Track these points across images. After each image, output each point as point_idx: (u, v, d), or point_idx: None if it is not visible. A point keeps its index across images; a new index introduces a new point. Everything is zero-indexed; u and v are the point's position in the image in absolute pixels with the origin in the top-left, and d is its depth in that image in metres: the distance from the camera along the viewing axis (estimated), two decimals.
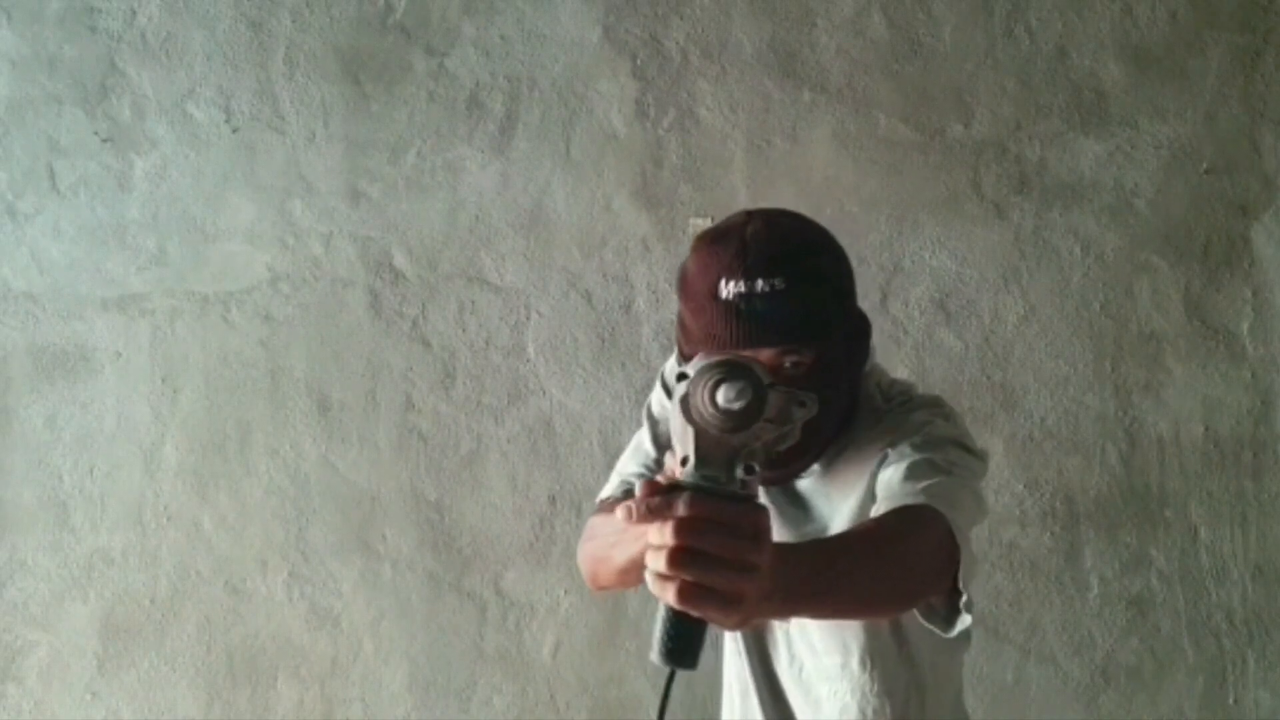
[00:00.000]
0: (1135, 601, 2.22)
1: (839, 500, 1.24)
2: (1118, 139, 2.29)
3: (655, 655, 0.83)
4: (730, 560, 0.79)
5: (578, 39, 2.35)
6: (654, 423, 1.40)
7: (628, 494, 1.32)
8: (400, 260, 2.34)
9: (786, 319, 1.12)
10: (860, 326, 1.25)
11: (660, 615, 0.82)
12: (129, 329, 2.34)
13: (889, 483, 1.15)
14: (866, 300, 2.26)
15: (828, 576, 0.95)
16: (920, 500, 1.08)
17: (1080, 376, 2.26)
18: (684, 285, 1.20)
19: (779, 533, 1.25)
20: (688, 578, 0.79)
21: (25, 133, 2.38)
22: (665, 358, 2.30)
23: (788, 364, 1.14)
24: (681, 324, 1.21)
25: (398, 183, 2.35)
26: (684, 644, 0.82)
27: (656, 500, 0.81)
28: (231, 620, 2.29)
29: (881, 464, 1.19)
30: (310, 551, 2.29)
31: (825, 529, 1.24)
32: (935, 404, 1.27)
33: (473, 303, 2.32)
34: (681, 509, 0.80)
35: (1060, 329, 2.27)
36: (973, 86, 2.31)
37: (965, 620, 1.05)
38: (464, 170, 2.34)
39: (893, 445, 1.19)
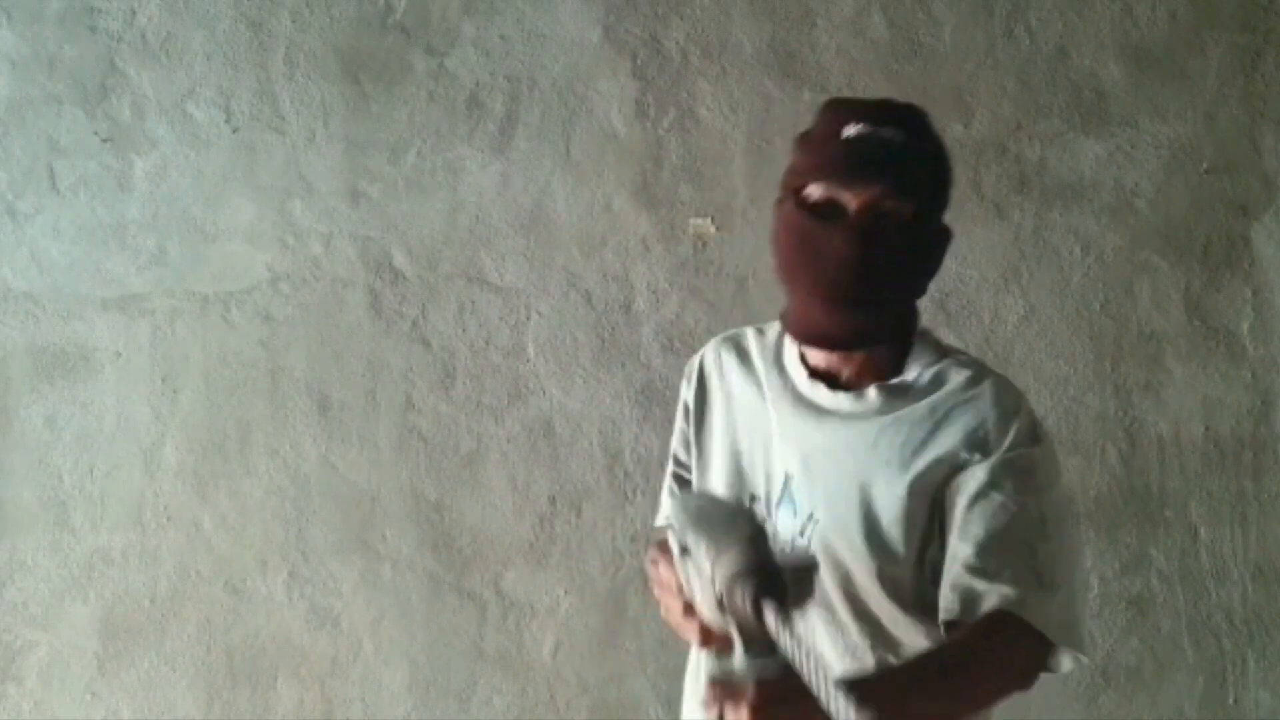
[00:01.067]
0: (1135, 601, 2.22)
1: (860, 435, 1.23)
2: (1118, 139, 2.29)
3: None
4: None
5: (578, 39, 2.35)
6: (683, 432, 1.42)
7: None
8: (400, 260, 2.34)
9: (899, 164, 1.18)
10: (945, 231, 1.28)
11: None
12: (129, 329, 2.34)
13: (972, 544, 1.15)
14: None
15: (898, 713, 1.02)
16: (1010, 604, 1.10)
17: (1080, 376, 2.26)
18: (806, 136, 1.26)
19: (782, 445, 1.26)
20: None
21: (25, 133, 2.38)
22: (665, 358, 2.31)
23: (887, 205, 1.18)
24: (790, 169, 1.25)
25: (398, 183, 2.35)
26: None
27: (721, 689, 0.95)
28: (231, 620, 2.29)
29: (954, 470, 1.19)
30: (310, 551, 2.29)
31: (832, 451, 1.23)
32: (1025, 416, 1.23)
33: (473, 303, 2.32)
34: (749, 698, 0.93)
35: (1060, 329, 2.27)
36: (973, 86, 2.31)
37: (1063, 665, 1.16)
38: (464, 170, 2.34)
39: (968, 458, 1.18)
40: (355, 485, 2.30)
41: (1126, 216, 2.28)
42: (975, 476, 1.18)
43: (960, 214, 2.26)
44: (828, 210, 1.20)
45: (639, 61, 2.34)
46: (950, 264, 2.26)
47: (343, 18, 2.37)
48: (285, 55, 2.37)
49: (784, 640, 0.89)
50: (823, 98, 2.30)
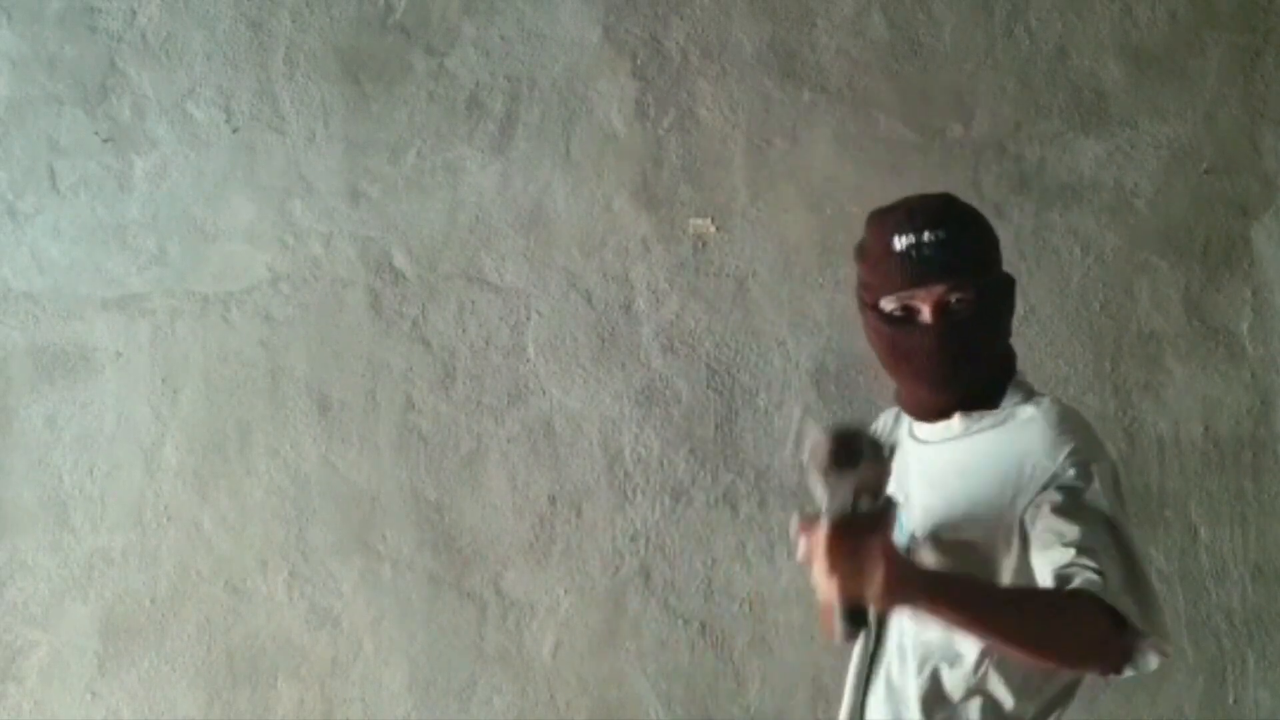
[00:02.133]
0: None
1: (975, 471, 1.38)
2: (1118, 139, 2.29)
3: (839, 636, 1.16)
4: (853, 559, 1.10)
5: (578, 39, 2.35)
6: None
7: None
8: (400, 260, 2.34)
9: (950, 260, 1.34)
10: (1009, 279, 1.43)
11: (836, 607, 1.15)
12: (129, 329, 2.34)
13: (1046, 535, 1.28)
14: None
15: (951, 589, 1.20)
16: (1095, 587, 1.21)
17: (1080, 376, 2.26)
18: (863, 251, 1.44)
19: (899, 480, 1.39)
20: (832, 578, 1.11)
21: (25, 133, 2.38)
22: (665, 358, 2.31)
23: (954, 300, 1.35)
24: (861, 283, 1.44)
25: (398, 183, 2.35)
26: (853, 617, 1.14)
27: (803, 525, 1.15)
28: (231, 620, 2.29)
29: (1024, 484, 1.32)
30: (310, 551, 2.29)
31: (924, 474, 1.41)
32: (1070, 420, 1.38)
33: (473, 303, 2.32)
34: (821, 532, 1.12)
35: (1060, 329, 2.27)
36: (973, 87, 2.31)
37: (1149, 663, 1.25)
38: (464, 170, 2.35)
39: (1037, 474, 1.32)
40: (355, 485, 2.30)
41: (1126, 216, 2.28)
42: (1049, 494, 1.30)
43: None
44: (905, 317, 1.38)
45: (639, 61, 2.34)
46: None
47: (343, 18, 2.37)
48: (285, 55, 2.37)
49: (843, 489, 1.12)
50: (823, 98, 2.33)
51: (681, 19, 2.35)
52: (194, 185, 2.36)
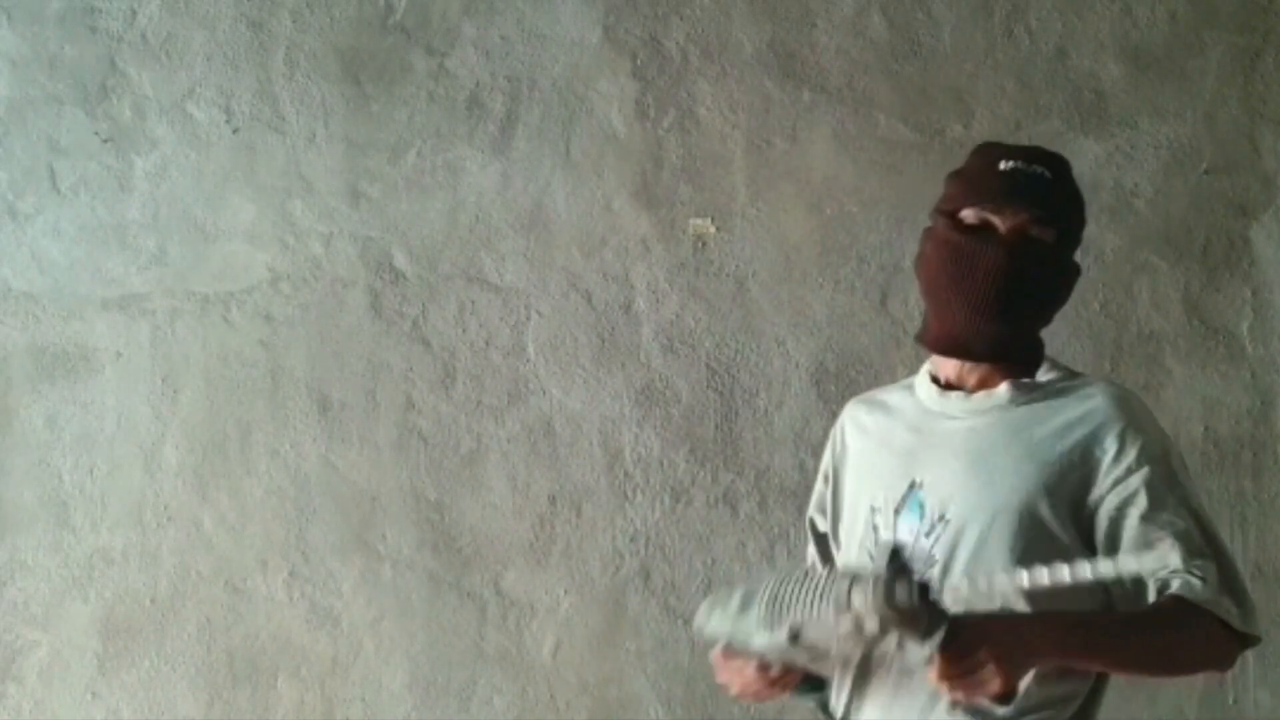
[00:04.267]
0: None
1: (1024, 436, 1.34)
2: (1117, 139, 2.29)
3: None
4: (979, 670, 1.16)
5: (578, 39, 2.35)
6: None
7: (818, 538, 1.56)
8: (400, 260, 2.34)
9: (1045, 196, 1.35)
10: (1076, 267, 1.43)
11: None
12: (129, 329, 2.34)
13: (1139, 537, 1.28)
14: (867, 300, 2.28)
15: (1069, 638, 1.23)
16: (1194, 593, 1.24)
17: None
18: (959, 171, 1.42)
19: (908, 460, 1.39)
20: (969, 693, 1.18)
21: (25, 133, 2.38)
22: (665, 358, 2.31)
23: (1034, 231, 1.34)
24: (945, 196, 1.41)
25: (398, 183, 2.35)
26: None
27: (954, 675, 1.17)
28: (231, 620, 2.29)
29: (1102, 465, 1.31)
30: (310, 551, 2.29)
31: (966, 447, 1.35)
32: (1132, 397, 1.40)
33: (473, 303, 2.32)
34: (982, 658, 1.16)
35: (1060, 329, 2.25)
36: (972, 87, 2.31)
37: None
38: (464, 170, 2.35)
39: (1111, 458, 1.30)
40: (355, 485, 2.30)
41: (1126, 217, 2.28)
42: (1132, 487, 1.29)
43: None
44: (981, 231, 1.35)
45: (639, 61, 2.34)
46: None
47: (343, 18, 2.37)
48: (285, 55, 2.37)
49: (950, 600, 1.15)
50: (823, 98, 2.33)
51: (681, 19, 2.35)
52: (194, 185, 2.36)
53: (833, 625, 1.15)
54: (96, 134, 2.37)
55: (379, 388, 2.32)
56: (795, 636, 1.17)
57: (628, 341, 2.30)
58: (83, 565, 2.30)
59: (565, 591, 2.27)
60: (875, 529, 1.38)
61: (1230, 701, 2.21)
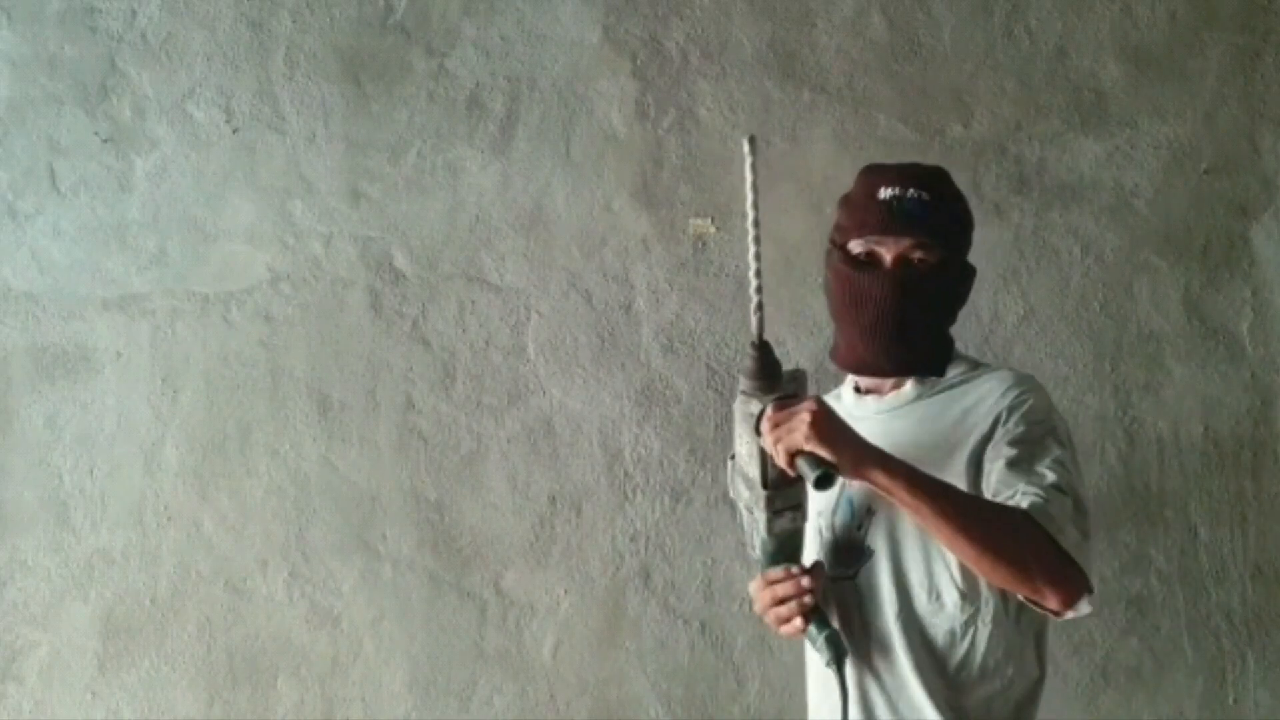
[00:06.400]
0: (1135, 601, 2.22)
1: (929, 426, 1.44)
2: (1117, 139, 2.29)
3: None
4: (788, 417, 1.29)
5: (578, 39, 2.35)
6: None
7: None
8: (400, 260, 2.34)
9: (924, 219, 1.42)
10: (970, 268, 1.52)
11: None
12: (129, 329, 2.34)
13: (1002, 477, 1.35)
14: None
15: (902, 465, 1.30)
16: (1034, 508, 1.30)
17: (1080, 376, 2.26)
18: (847, 198, 1.51)
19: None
20: (776, 442, 1.30)
21: (25, 133, 2.38)
22: (665, 358, 2.31)
23: (917, 256, 1.43)
24: (836, 226, 1.51)
25: (398, 183, 2.35)
26: (820, 482, 1.28)
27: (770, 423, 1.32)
28: (231, 620, 2.29)
29: (994, 424, 1.39)
30: (310, 551, 2.29)
31: (902, 449, 1.40)
32: (1029, 378, 1.49)
33: (473, 303, 2.32)
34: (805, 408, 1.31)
35: (1060, 329, 2.27)
36: (972, 87, 2.31)
37: (1083, 609, 1.35)
38: (464, 170, 2.35)
39: (1001, 417, 1.40)
40: (355, 485, 2.30)
41: (1126, 217, 2.28)
42: (1009, 435, 1.38)
43: None
44: (868, 262, 1.45)
45: (639, 62, 2.35)
46: None
47: (343, 18, 2.37)
48: (285, 55, 2.38)
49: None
50: (823, 98, 2.33)
51: (681, 19, 2.35)
52: (194, 185, 2.36)
53: (742, 436, 1.33)
54: (96, 134, 2.38)
55: (379, 388, 2.32)
56: (733, 458, 1.37)
57: (628, 341, 2.30)
58: (83, 565, 2.30)
59: (565, 591, 2.27)
60: (819, 532, 1.49)
61: (1230, 701, 2.21)
